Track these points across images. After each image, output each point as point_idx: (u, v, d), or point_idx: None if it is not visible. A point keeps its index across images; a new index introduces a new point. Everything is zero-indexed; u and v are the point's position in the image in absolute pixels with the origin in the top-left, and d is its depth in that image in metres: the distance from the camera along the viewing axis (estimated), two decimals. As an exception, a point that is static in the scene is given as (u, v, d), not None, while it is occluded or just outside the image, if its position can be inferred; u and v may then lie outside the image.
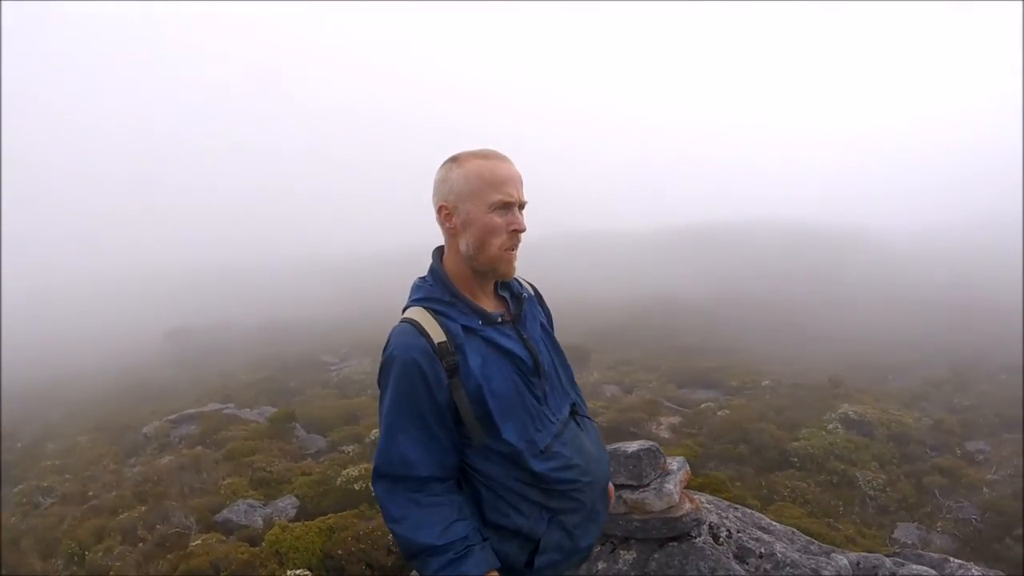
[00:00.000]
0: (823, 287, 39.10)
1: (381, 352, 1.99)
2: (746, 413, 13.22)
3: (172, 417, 14.26)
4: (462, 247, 1.97)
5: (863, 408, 12.83)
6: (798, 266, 46.62)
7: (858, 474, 9.94)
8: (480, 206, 1.91)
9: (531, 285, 2.29)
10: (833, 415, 12.54)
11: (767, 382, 16.62)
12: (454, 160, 1.95)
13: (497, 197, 1.91)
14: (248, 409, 15.16)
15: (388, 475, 1.90)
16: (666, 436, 12.06)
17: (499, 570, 1.93)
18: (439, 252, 2.10)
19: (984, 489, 9.39)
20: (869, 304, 33.08)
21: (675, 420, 13.24)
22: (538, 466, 1.96)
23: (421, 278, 2.11)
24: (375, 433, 11.04)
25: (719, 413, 13.55)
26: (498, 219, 1.93)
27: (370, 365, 20.95)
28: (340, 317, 37.50)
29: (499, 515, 1.97)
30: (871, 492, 9.51)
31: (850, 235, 61.38)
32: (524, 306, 2.13)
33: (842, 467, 10.19)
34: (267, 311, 43.00)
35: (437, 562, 1.83)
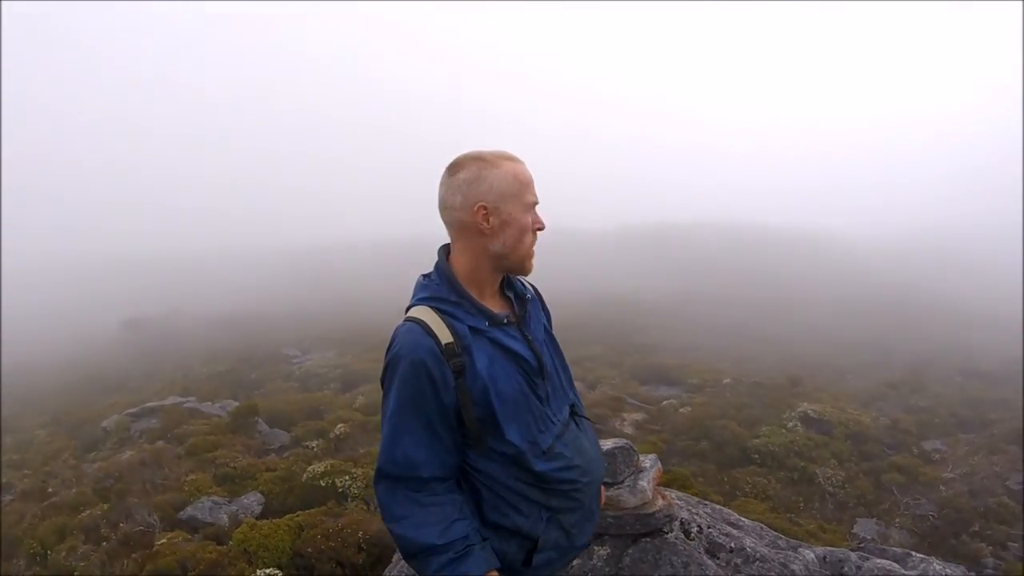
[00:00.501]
0: (786, 288, 39.74)
1: (385, 351, 1.99)
2: (708, 410, 13.39)
3: (132, 411, 13.97)
4: (496, 246, 1.97)
5: (822, 407, 13.08)
6: (760, 266, 47.30)
7: (817, 471, 10.15)
8: (519, 207, 1.95)
9: (532, 286, 2.29)
10: (793, 413, 12.77)
11: (728, 380, 16.84)
12: (481, 160, 1.94)
13: (531, 199, 1.97)
14: (209, 403, 14.92)
15: (391, 475, 1.91)
16: (630, 432, 12.17)
17: (498, 569, 1.94)
18: (445, 251, 2.09)
19: (941, 487, 9.65)
20: (830, 305, 33.73)
21: (639, 417, 13.36)
22: (540, 466, 1.98)
23: (426, 276, 2.10)
24: (340, 428, 10.97)
25: (681, 410, 13.71)
26: (529, 219, 1.98)
27: (334, 358, 20.80)
28: (302, 309, 37.11)
29: (499, 515, 1.99)
30: (830, 489, 9.72)
31: (819, 236, 62.49)
32: (528, 307, 2.14)
33: (802, 464, 10.40)
34: (228, 302, 42.42)
35: (437, 561, 1.85)
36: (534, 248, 2.05)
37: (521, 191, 1.95)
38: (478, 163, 1.94)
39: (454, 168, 1.96)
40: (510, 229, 1.95)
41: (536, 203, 2.01)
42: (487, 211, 1.93)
